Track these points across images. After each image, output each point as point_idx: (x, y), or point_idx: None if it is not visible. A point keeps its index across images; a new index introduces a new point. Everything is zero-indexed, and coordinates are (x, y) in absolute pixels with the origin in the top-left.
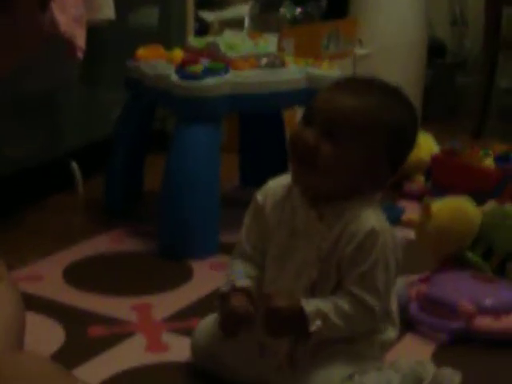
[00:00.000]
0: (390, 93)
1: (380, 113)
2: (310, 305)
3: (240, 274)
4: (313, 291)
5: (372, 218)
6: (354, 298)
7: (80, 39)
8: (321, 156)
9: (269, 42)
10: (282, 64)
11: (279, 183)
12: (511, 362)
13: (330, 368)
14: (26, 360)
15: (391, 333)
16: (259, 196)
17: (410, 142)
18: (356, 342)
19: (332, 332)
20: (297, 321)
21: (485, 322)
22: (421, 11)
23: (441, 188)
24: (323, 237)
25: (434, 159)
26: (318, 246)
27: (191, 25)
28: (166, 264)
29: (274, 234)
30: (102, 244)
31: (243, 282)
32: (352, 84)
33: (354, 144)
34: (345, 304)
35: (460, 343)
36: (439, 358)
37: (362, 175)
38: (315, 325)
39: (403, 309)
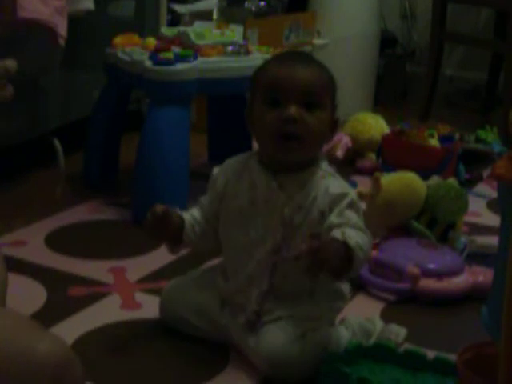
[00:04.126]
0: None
1: (330, 74)
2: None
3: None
4: (278, 254)
5: (334, 184)
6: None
7: (62, 28)
8: (308, 129)
9: (235, 32)
10: (247, 52)
11: (235, 160)
12: (451, 318)
13: (284, 326)
14: (2, 315)
15: (347, 300)
16: (214, 170)
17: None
18: (319, 305)
19: (365, 257)
20: (342, 253)
21: (428, 284)
22: (374, 6)
23: (390, 164)
24: (285, 204)
25: (385, 138)
26: (280, 213)
27: (164, 16)
28: (139, 231)
29: (231, 203)
30: (81, 213)
31: (182, 213)
32: (293, 57)
33: (326, 109)
34: (351, 232)
35: (406, 302)
36: (387, 316)
37: (324, 139)
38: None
39: None
